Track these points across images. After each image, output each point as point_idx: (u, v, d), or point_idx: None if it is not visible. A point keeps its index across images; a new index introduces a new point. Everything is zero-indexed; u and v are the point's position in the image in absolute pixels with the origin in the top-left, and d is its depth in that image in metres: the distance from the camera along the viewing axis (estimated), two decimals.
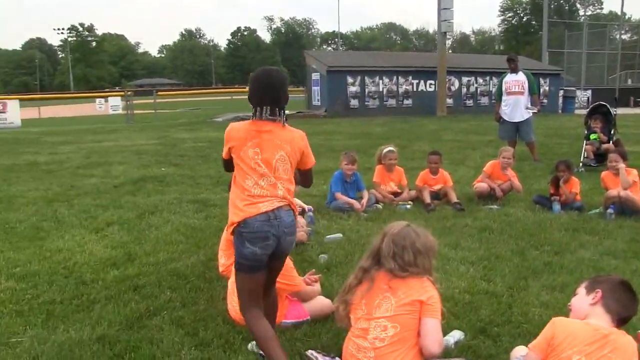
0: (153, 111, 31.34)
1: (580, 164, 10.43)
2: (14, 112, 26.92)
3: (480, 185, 7.99)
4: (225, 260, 4.99)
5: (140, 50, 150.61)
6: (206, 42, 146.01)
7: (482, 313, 4.13)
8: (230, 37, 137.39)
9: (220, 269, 4.99)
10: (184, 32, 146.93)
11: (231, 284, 4.12)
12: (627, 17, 64.58)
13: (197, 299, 4.51)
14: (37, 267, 5.38)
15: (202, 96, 63.33)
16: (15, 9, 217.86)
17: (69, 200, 8.46)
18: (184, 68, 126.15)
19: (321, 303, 4.17)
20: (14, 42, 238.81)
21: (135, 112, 30.34)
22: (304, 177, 3.56)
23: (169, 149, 15.09)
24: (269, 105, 3.22)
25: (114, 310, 4.28)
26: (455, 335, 3.66)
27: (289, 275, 4.00)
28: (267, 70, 3.37)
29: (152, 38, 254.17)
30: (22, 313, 4.34)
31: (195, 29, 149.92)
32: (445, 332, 3.58)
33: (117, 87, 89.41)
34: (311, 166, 3.46)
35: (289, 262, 4.03)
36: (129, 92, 35.19)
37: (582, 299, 2.90)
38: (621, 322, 2.81)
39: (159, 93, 38.94)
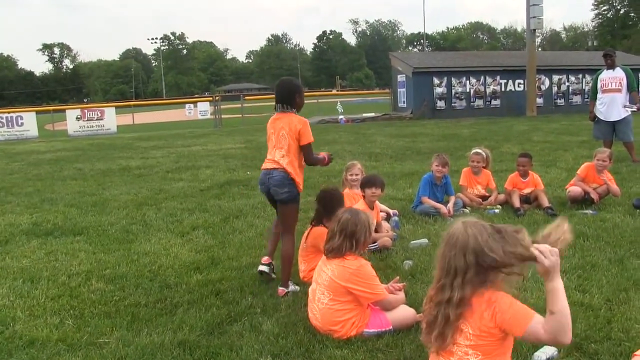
0: (240, 115, 32.02)
1: None
2: (111, 119, 28.40)
3: (574, 189, 7.55)
4: (305, 266, 4.96)
5: (229, 56, 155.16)
6: (292, 46, 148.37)
7: (577, 327, 3.79)
8: (316, 41, 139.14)
9: (301, 275, 4.96)
10: (270, 38, 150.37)
11: (311, 291, 4.05)
12: None
13: (278, 306, 4.45)
14: (125, 270, 5.53)
15: None
16: (114, 21, 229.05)
17: (157, 204, 8.70)
18: (271, 72, 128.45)
19: (405, 312, 3.98)
20: (112, 53, 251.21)
21: (223, 116, 31.10)
22: (302, 152, 4.77)
23: (255, 153, 15.28)
24: (278, 102, 4.77)
25: (196, 315, 4.30)
26: (548, 351, 3.40)
27: (371, 284, 3.87)
28: (280, 80, 4.92)
29: (239, 44, 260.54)
30: (110, 314, 4.45)
31: (282, 34, 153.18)
32: (536, 347, 3.37)
33: (206, 93, 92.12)
34: (305, 143, 4.73)
35: (370, 269, 3.91)
36: (217, 97, 36.12)
37: None
38: None
39: (246, 97, 39.78)
